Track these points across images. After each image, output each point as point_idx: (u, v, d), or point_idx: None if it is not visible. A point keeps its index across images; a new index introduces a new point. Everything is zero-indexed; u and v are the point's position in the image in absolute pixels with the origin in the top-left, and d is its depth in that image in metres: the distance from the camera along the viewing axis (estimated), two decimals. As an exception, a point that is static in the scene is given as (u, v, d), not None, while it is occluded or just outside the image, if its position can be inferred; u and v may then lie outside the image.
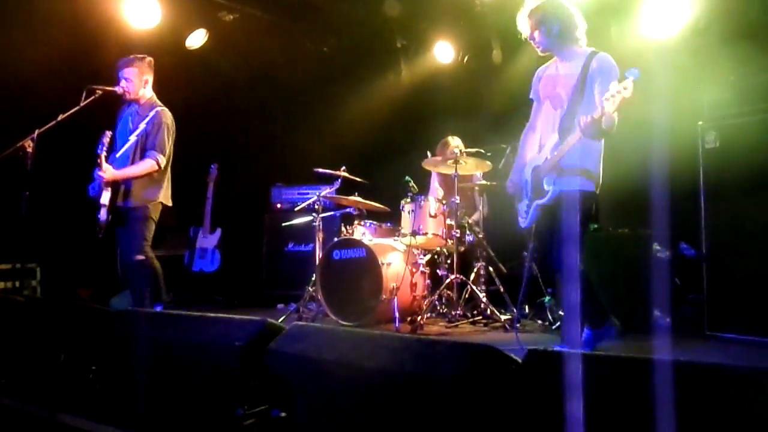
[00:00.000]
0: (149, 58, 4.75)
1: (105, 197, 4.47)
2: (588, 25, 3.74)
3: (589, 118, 3.29)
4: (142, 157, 4.58)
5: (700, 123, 4.52)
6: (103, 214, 4.48)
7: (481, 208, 5.89)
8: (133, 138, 4.58)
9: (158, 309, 4.49)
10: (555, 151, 3.59)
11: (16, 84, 5.72)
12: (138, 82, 4.67)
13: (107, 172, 4.46)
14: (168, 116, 4.69)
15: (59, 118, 4.55)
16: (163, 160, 4.60)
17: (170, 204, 4.79)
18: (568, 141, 3.49)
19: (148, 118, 4.60)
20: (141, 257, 4.53)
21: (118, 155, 4.56)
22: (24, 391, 3.33)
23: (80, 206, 6.44)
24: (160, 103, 4.75)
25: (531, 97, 3.99)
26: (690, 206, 4.56)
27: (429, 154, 5.73)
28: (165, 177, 4.72)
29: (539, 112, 3.89)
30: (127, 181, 4.56)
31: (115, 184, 4.53)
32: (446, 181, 6.03)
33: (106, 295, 6.46)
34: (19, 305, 3.70)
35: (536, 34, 3.68)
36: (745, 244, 4.23)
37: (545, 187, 3.64)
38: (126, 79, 4.64)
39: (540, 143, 3.84)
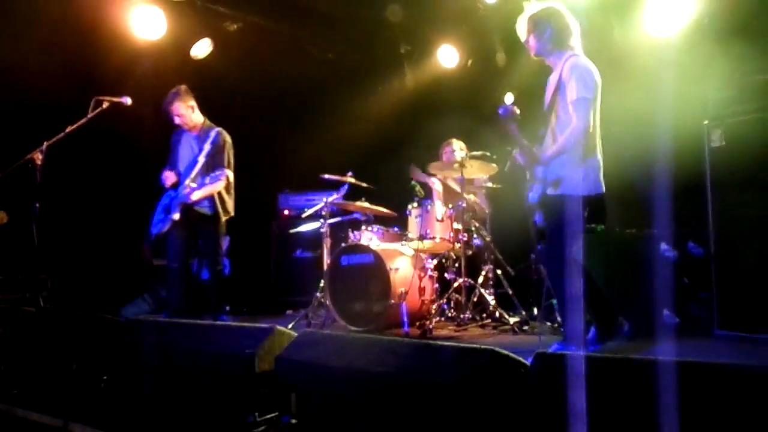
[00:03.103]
0: (183, 86, 5.09)
1: (177, 215, 4.91)
2: (591, 24, 3.81)
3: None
4: (215, 174, 4.92)
5: (706, 122, 4.51)
6: (166, 226, 4.96)
7: (487, 210, 5.89)
8: (201, 159, 4.97)
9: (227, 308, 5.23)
10: None
11: (25, 96, 5.77)
12: (188, 113, 5.07)
13: (194, 194, 4.88)
14: (227, 136, 5.14)
15: (67, 130, 4.59)
16: (231, 175, 5.03)
17: (233, 215, 5.25)
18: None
19: (210, 139, 5.00)
20: (219, 267, 5.12)
21: (193, 175, 4.94)
22: (37, 401, 3.35)
23: (90, 216, 6.50)
24: (213, 124, 5.17)
25: None
26: (697, 205, 4.55)
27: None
28: (231, 191, 5.18)
29: None
30: (202, 201, 4.97)
31: (187, 205, 4.93)
32: (446, 185, 6.06)
33: (116, 305, 6.50)
34: (30, 316, 3.74)
35: (531, 38, 3.79)
36: (753, 242, 4.21)
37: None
38: (178, 115, 5.04)
39: None
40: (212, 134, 5.01)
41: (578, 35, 3.75)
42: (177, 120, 5.07)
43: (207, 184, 4.86)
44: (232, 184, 5.15)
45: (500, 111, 3.72)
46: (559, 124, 3.67)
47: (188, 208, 4.94)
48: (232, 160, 5.12)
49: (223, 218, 5.09)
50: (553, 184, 3.66)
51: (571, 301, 3.64)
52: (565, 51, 3.72)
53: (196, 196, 4.88)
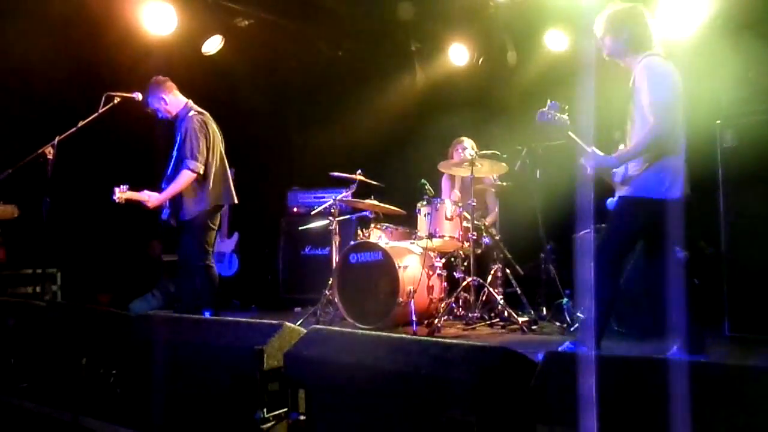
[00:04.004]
0: (155, 78, 4.80)
1: (165, 213, 4.74)
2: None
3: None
4: (179, 169, 4.62)
5: (718, 122, 4.49)
6: (172, 221, 4.76)
7: (497, 209, 5.88)
8: (174, 154, 4.70)
9: (208, 314, 4.62)
10: None
11: (36, 91, 5.81)
12: (160, 105, 4.75)
13: (151, 199, 4.60)
14: (194, 120, 4.66)
15: (79, 125, 4.61)
16: (197, 166, 4.58)
17: (233, 202, 4.91)
18: None
19: (180, 129, 4.70)
20: (202, 263, 4.69)
21: (169, 173, 4.71)
22: (46, 395, 3.37)
23: (100, 211, 6.53)
24: (194, 109, 4.77)
25: None
26: (708, 205, 4.52)
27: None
28: (209, 180, 4.68)
29: None
30: (176, 198, 4.68)
31: (171, 200, 4.69)
32: (456, 183, 6.05)
33: (125, 300, 6.53)
34: (40, 310, 3.75)
35: (606, 39, 3.59)
36: (764, 243, 4.19)
37: None
38: (153, 108, 4.78)
39: None
40: (181, 123, 4.69)
41: (658, 38, 3.54)
42: (158, 115, 4.81)
43: (168, 186, 4.62)
44: (209, 173, 4.67)
45: (538, 116, 3.57)
46: (634, 129, 3.48)
47: (175, 207, 4.72)
48: (195, 148, 4.59)
49: (198, 215, 4.67)
50: (625, 184, 3.49)
51: (599, 303, 3.48)
52: (640, 54, 3.49)
53: (154, 201, 4.62)
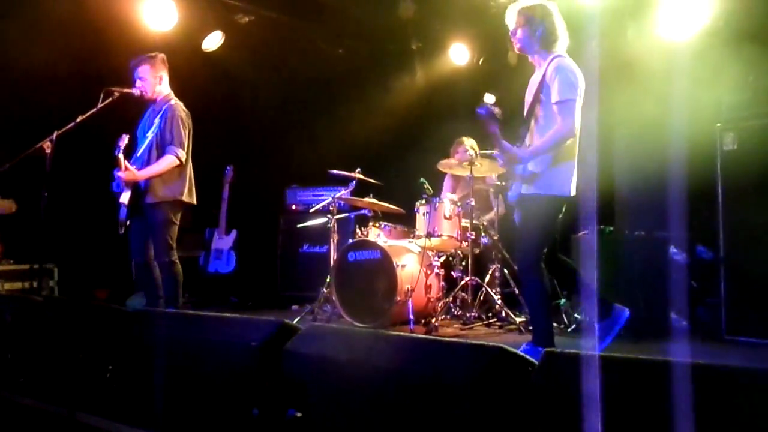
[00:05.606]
0: (161, 55, 4.72)
1: (125, 197, 4.45)
2: (605, 27, 3.76)
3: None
4: (161, 154, 4.50)
5: (718, 125, 4.48)
6: (123, 212, 4.49)
7: (496, 209, 5.87)
8: (150, 135, 4.53)
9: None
10: None
11: (35, 86, 5.79)
12: (152, 80, 4.61)
13: (128, 172, 4.42)
14: (181, 109, 4.61)
15: (77, 120, 4.59)
16: (182, 154, 4.52)
17: (194, 202, 4.74)
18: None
19: (160, 114, 4.55)
20: (166, 259, 4.54)
21: (138, 154, 4.54)
22: (43, 391, 3.36)
23: (98, 207, 6.52)
24: (175, 98, 4.70)
25: None
26: (708, 209, 4.52)
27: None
28: (184, 174, 4.62)
29: None
30: (147, 180, 4.50)
31: (135, 183, 4.49)
32: (459, 182, 6.04)
33: (122, 296, 6.52)
34: (37, 305, 3.74)
35: (519, 31, 3.71)
36: (763, 247, 4.19)
37: None
38: (141, 78, 4.63)
39: None
40: (164, 108, 4.54)
41: (566, 38, 3.69)
42: (138, 83, 4.60)
43: (151, 165, 4.43)
44: (185, 167, 4.60)
45: (479, 111, 3.66)
46: (539, 125, 3.63)
47: (138, 191, 4.48)
48: (184, 139, 4.55)
49: (165, 202, 4.53)
50: (528, 182, 3.64)
51: (538, 301, 3.66)
52: (550, 52, 3.65)
53: (130, 176, 4.41)
